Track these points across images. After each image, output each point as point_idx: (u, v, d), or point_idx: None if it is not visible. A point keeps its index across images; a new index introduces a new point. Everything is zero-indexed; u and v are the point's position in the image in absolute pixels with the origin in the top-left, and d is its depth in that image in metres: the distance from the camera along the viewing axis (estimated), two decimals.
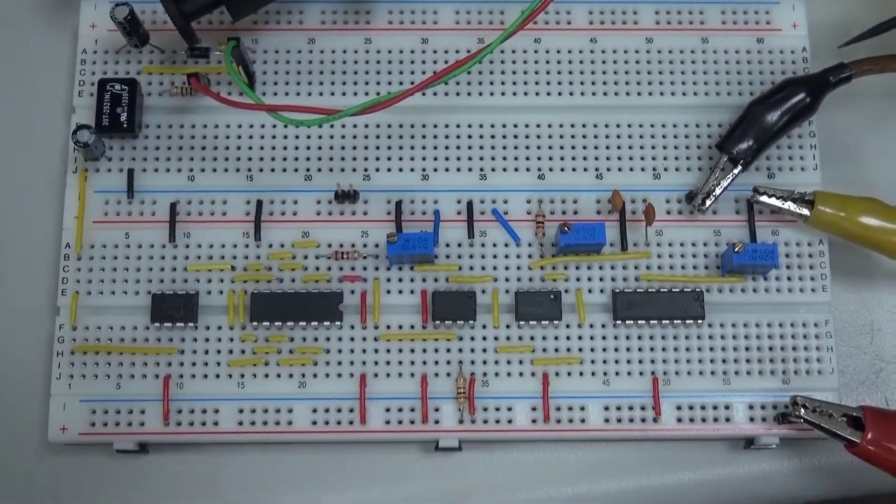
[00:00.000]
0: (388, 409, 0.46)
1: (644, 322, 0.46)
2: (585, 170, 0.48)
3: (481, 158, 0.48)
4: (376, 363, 0.46)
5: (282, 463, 0.46)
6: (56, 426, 0.45)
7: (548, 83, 0.49)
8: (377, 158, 0.48)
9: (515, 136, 0.48)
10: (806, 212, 0.46)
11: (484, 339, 0.46)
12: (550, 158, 0.48)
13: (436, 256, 0.47)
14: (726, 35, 0.50)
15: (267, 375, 0.46)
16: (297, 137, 0.48)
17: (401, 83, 0.49)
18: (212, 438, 0.45)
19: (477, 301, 0.46)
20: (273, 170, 0.48)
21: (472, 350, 0.46)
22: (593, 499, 0.47)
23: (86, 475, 0.46)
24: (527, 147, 0.48)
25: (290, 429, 0.45)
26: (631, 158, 0.48)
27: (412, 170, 0.48)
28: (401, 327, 0.46)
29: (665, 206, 0.48)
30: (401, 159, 0.48)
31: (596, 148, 0.48)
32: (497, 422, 0.46)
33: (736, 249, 0.46)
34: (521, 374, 0.46)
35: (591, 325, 0.47)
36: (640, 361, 0.46)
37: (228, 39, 0.46)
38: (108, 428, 0.45)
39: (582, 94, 0.49)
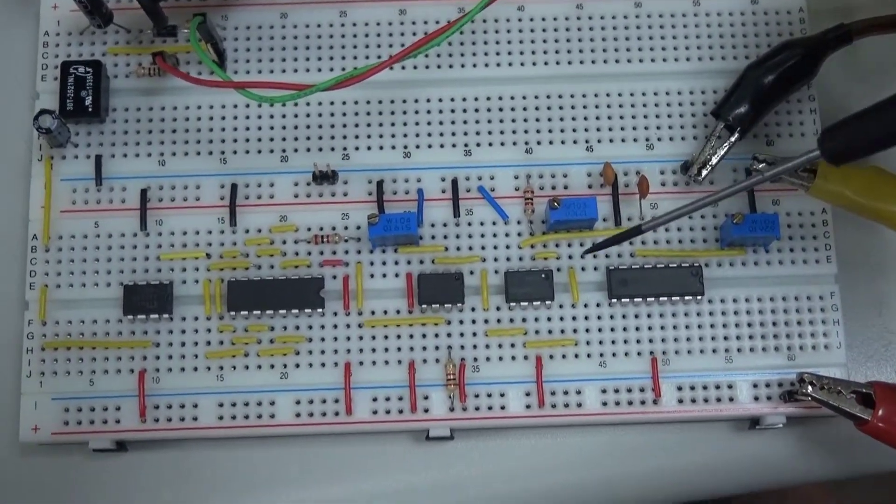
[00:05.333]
0: (374, 399, 0.44)
1: (640, 300, 0.45)
2: (575, 142, 0.46)
3: (465, 133, 0.46)
4: (361, 351, 0.45)
5: (266, 458, 0.45)
6: (27, 426, 0.44)
7: (533, 52, 0.47)
8: (356, 136, 0.46)
9: (500, 109, 0.47)
10: (807, 182, 0.44)
11: (473, 322, 0.45)
12: (538, 131, 0.47)
13: (420, 237, 0.45)
14: None
15: (247, 367, 0.44)
16: (271, 117, 0.46)
17: (378, 56, 0.47)
18: (191, 434, 0.44)
19: (465, 283, 0.45)
20: (248, 151, 0.46)
21: (462, 334, 0.45)
22: (593, 485, 0.45)
23: (61, 476, 0.45)
24: (513, 120, 0.47)
25: (273, 422, 0.44)
26: (622, 129, 0.47)
27: (393, 147, 0.46)
28: (386, 312, 0.45)
29: (659, 178, 0.46)
30: (381, 136, 0.46)
31: (585, 119, 0.47)
32: (489, 408, 0.44)
33: (735, 221, 0.44)
34: (513, 357, 0.44)
35: (586, 305, 0.45)
36: (638, 341, 0.45)
37: (194, 15, 0.44)
38: (83, 426, 0.44)
39: (569, 62, 0.47)
